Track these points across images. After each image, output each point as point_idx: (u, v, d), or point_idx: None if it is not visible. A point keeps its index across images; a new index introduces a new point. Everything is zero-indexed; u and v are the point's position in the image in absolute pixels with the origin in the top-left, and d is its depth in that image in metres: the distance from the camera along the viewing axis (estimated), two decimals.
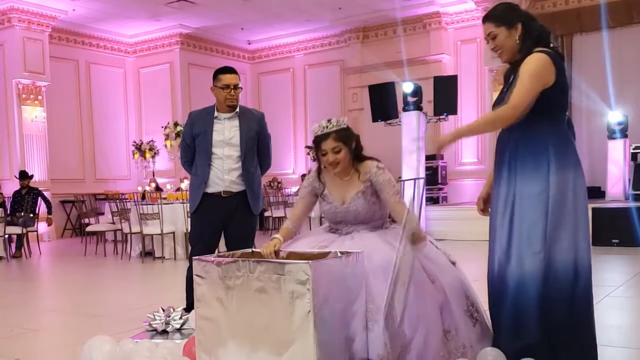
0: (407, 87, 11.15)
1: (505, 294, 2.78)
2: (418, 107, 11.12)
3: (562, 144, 2.77)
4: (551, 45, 2.82)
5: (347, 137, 3.05)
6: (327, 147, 3.04)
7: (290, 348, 2.53)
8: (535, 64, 2.72)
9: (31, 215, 10.55)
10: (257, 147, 4.32)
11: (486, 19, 2.89)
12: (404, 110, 11.23)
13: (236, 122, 4.24)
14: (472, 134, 3.04)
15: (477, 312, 3.04)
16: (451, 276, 3.04)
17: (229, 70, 4.26)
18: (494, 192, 2.91)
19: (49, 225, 11.25)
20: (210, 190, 4.23)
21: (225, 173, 4.20)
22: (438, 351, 2.79)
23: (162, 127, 14.04)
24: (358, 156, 3.14)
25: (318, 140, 3.07)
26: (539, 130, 2.75)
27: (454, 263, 3.18)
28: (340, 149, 3.03)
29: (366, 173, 3.11)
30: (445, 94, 11.29)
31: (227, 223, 4.25)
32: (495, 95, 11.58)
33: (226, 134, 4.22)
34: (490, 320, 3.02)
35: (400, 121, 11.38)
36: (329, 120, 3.05)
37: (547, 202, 2.70)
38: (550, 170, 2.72)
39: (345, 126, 3.06)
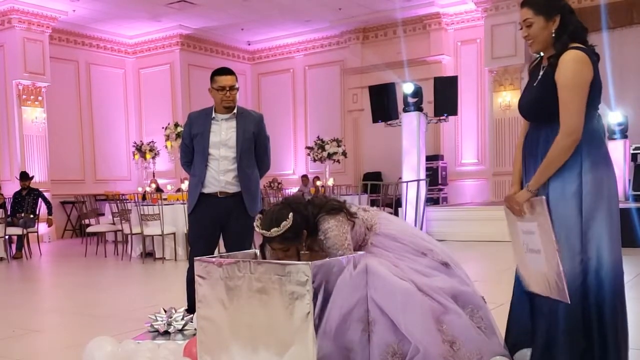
0: (408, 88, 11.17)
1: (547, 298, 2.69)
2: (418, 107, 11.14)
3: (595, 142, 2.69)
4: (588, 44, 2.72)
5: (294, 235, 2.79)
6: (275, 247, 2.84)
7: (290, 349, 2.54)
8: (571, 68, 2.61)
9: (31, 216, 10.54)
10: (254, 149, 4.31)
11: (525, 4, 2.76)
12: (404, 111, 11.24)
13: (233, 123, 4.23)
14: (546, 178, 2.68)
15: (480, 317, 2.92)
16: (445, 283, 2.91)
17: (225, 71, 4.24)
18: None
19: (49, 226, 11.24)
20: (206, 190, 4.22)
21: (220, 174, 4.20)
22: None
23: (163, 127, 14.04)
24: (315, 229, 2.88)
25: (264, 239, 2.88)
26: None
27: (446, 265, 3.00)
28: (289, 247, 2.82)
29: (318, 241, 2.90)
30: (445, 94, 11.30)
31: (224, 224, 4.25)
32: (495, 96, 11.55)
33: (223, 135, 4.21)
34: (495, 323, 2.96)
35: (400, 122, 11.39)
36: (269, 229, 2.77)
37: (581, 202, 2.63)
38: (583, 169, 2.63)
39: (290, 225, 2.75)
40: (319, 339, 2.51)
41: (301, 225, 2.80)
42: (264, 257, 2.98)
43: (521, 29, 2.78)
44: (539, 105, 2.75)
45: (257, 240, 3.24)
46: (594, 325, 2.65)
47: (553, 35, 2.71)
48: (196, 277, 2.85)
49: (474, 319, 2.89)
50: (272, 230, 2.75)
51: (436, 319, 2.78)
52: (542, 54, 2.83)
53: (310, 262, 2.51)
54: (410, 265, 2.92)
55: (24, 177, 10.89)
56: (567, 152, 2.62)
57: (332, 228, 2.83)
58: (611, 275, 2.65)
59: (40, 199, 10.74)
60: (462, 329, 2.81)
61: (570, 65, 2.62)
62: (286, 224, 2.74)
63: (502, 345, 2.93)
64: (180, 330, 3.97)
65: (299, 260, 2.85)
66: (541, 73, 2.78)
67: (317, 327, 2.52)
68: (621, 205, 10.40)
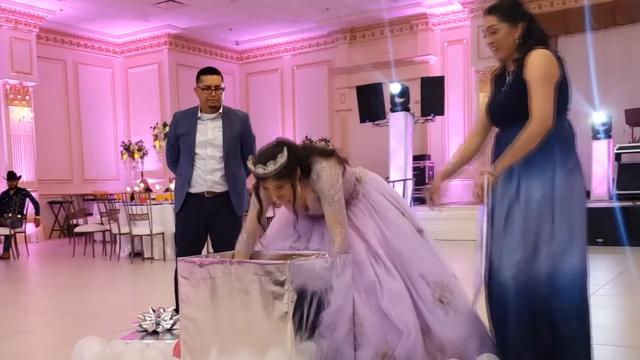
0: (395, 88, 11.23)
1: (512, 299, 2.69)
2: (405, 107, 11.22)
3: (567, 144, 2.72)
4: (550, 50, 2.74)
5: (288, 172, 2.80)
6: (268, 185, 2.84)
7: (270, 349, 2.55)
8: (540, 63, 2.65)
9: (19, 216, 10.51)
10: (241, 148, 4.33)
11: (490, 11, 2.79)
12: (392, 111, 11.31)
13: (219, 123, 4.25)
14: (510, 163, 2.71)
15: (445, 293, 2.95)
16: (418, 263, 2.96)
17: (211, 71, 4.26)
18: (494, 194, 2.79)
19: (36, 226, 11.21)
20: (193, 190, 4.24)
21: (207, 173, 4.22)
22: (423, 357, 2.77)
23: (151, 127, 14.02)
24: (307, 169, 2.90)
25: (258, 178, 2.88)
26: None
27: (421, 231, 3.10)
28: (283, 185, 2.82)
29: (311, 182, 2.91)
30: (432, 94, 11.38)
31: (211, 223, 4.26)
32: (482, 96, 11.64)
33: (209, 134, 4.23)
34: (464, 294, 3.02)
35: (387, 122, 11.46)
36: (265, 164, 2.79)
37: (553, 205, 2.64)
38: (556, 172, 2.65)
39: (284, 162, 2.77)
40: (298, 333, 2.54)
41: (295, 162, 2.82)
42: (260, 203, 3.01)
43: (485, 36, 2.82)
44: (511, 108, 2.76)
45: None
46: (563, 329, 2.67)
47: (517, 41, 2.74)
48: (179, 277, 2.88)
49: (444, 298, 2.93)
50: (268, 164, 2.77)
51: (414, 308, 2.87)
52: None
53: (288, 262, 2.52)
54: (395, 234, 2.99)
55: (12, 176, 10.85)
56: (537, 138, 2.63)
57: (325, 168, 2.87)
58: (580, 279, 2.68)
59: (27, 199, 10.70)
60: (429, 314, 2.88)
61: (538, 61, 2.66)
62: (282, 158, 2.77)
63: (479, 324, 2.98)
64: (169, 330, 3.98)
65: (294, 201, 2.87)
66: (509, 78, 2.81)
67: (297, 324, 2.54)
68: (605, 205, 10.49)
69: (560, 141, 2.70)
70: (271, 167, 2.77)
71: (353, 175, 3.09)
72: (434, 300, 2.91)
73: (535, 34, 2.75)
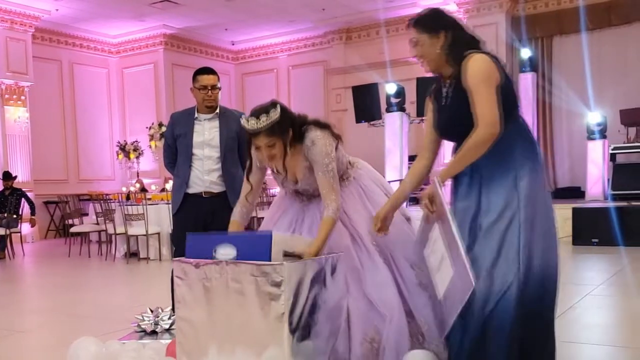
0: (391, 88, 11.27)
1: (476, 312, 2.58)
2: (401, 108, 11.25)
3: (527, 142, 2.66)
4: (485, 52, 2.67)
5: (280, 129, 2.79)
6: (260, 142, 2.82)
7: (267, 350, 2.55)
8: (479, 67, 2.57)
9: (14, 216, 10.49)
10: (238, 148, 4.33)
11: (410, 24, 2.72)
12: (387, 111, 11.35)
13: (216, 123, 4.26)
14: (457, 171, 2.67)
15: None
16: (403, 247, 2.99)
17: (207, 70, 4.27)
18: (455, 205, 2.73)
19: (32, 226, 11.20)
20: (191, 190, 4.25)
21: (205, 174, 4.23)
22: (408, 342, 2.79)
23: (147, 127, 14.00)
24: (300, 136, 2.90)
25: (249, 135, 2.85)
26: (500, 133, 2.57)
27: (408, 219, 3.15)
28: (274, 142, 2.80)
29: (304, 148, 2.92)
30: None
31: (209, 223, 4.24)
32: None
33: (206, 135, 4.23)
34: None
35: (383, 122, 11.49)
36: (258, 117, 2.78)
37: (518, 211, 2.56)
38: (518, 176, 2.58)
39: (277, 118, 2.78)
40: (295, 335, 2.54)
41: (288, 122, 2.84)
42: (251, 164, 3.04)
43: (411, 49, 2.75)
44: (458, 122, 2.66)
45: None
46: (529, 337, 2.60)
47: (441, 51, 2.67)
48: (175, 278, 2.87)
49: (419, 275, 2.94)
50: (260, 117, 2.77)
51: (398, 290, 2.90)
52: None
53: (285, 263, 2.52)
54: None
55: (7, 177, 10.83)
56: (483, 145, 2.54)
57: (320, 137, 2.89)
58: (546, 284, 2.60)
59: (23, 199, 10.69)
60: (415, 297, 2.90)
61: (475, 65, 2.58)
62: (274, 114, 2.78)
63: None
64: (168, 330, 3.99)
65: (284, 162, 2.87)
66: (445, 90, 2.74)
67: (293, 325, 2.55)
68: (601, 205, 10.47)
69: (519, 139, 2.64)
70: (264, 119, 2.77)
71: (345, 157, 3.11)
72: (418, 283, 2.93)
73: (463, 41, 2.67)
